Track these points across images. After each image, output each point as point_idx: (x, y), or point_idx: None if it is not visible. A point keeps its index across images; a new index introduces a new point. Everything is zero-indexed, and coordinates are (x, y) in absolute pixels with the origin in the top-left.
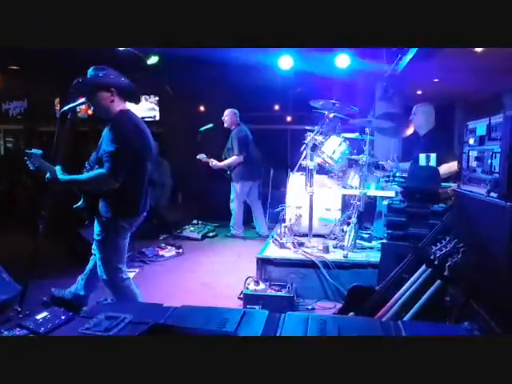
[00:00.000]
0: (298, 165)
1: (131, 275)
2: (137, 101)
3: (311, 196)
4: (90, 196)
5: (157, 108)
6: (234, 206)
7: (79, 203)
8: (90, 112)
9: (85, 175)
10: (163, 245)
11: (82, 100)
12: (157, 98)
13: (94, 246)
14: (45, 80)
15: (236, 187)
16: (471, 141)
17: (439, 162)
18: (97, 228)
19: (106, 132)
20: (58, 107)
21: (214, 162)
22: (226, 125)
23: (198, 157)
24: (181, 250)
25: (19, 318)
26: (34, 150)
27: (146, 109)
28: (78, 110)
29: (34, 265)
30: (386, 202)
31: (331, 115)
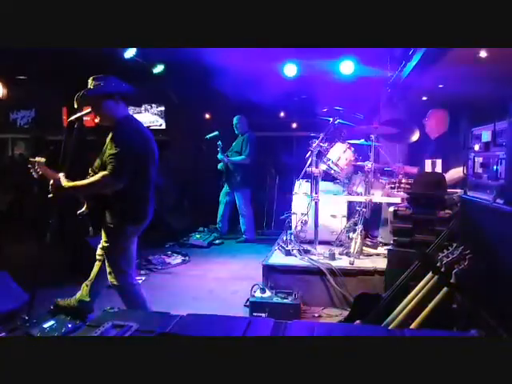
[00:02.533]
0: (303, 172)
1: None
2: (136, 102)
3: (317, 203)
4: (94, 202)
5: (163, 116)
6: (246, 213)
7: (82, 209)
8: (96, 121)
9: (88, 180)
10: (169, 252)
11: (89, 110)
12: (162, 108)
13: (98, 252)
14: (52, 89)
15: (243, 194)
16: (476, 147)
17: (448, 166)
18: (104, 235)
19: (109, 138)
20: (65, 116)
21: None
22: (238, 131)
23: (218, 143)
24: (187, 258)
25: (27, 326)
26: (37, 158)
27: (152, 115)
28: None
29: (41, 273)
30: (391, 209)
31: (336, 122)
